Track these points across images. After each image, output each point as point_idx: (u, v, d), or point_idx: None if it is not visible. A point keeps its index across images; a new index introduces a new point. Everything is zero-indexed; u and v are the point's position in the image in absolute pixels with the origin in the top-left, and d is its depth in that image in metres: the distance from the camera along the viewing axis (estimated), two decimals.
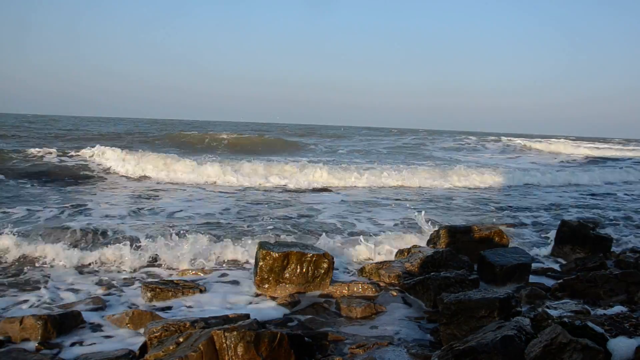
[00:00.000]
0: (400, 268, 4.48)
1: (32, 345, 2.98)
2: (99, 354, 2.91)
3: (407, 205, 8.57)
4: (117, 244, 4.98)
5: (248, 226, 6.44)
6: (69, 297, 3.90)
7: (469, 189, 11.83)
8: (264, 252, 4.07)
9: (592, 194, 11.53)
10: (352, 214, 7.69)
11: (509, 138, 34.61)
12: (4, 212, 6.74)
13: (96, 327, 3.31)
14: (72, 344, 3.05)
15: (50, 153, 12.82)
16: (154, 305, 3.71)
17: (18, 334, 3.03)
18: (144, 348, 2.84)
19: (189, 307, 3.75)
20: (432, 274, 4.03)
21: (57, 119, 45.56)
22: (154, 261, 4.82)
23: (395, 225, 6.97)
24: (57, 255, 4.73)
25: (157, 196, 8.75)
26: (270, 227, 6.46)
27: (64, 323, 3.19)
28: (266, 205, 8.17)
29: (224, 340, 2.52)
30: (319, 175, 11.81)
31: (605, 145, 34.32)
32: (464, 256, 4.65)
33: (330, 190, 10.42)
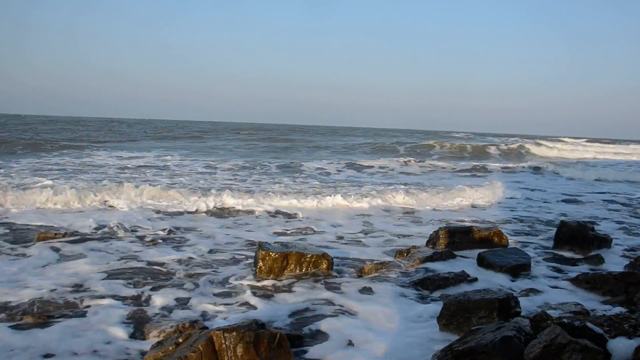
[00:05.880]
0: (400, 268, 4.47)
1: None
2: None
3: None
4: None
5: None
6: None
7: None
8: (263, 252, 4.06)
9: None
10: None
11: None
12: None
13: None
14: None
15: None
16: None
17: None
18: None
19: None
20: (431, 274, 4.03)
21: None
22: None
23: None
24: None
25: None
26: None
27: None
28: None
29: (223, 341, 2.51)
30: None
31: None
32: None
33: None
